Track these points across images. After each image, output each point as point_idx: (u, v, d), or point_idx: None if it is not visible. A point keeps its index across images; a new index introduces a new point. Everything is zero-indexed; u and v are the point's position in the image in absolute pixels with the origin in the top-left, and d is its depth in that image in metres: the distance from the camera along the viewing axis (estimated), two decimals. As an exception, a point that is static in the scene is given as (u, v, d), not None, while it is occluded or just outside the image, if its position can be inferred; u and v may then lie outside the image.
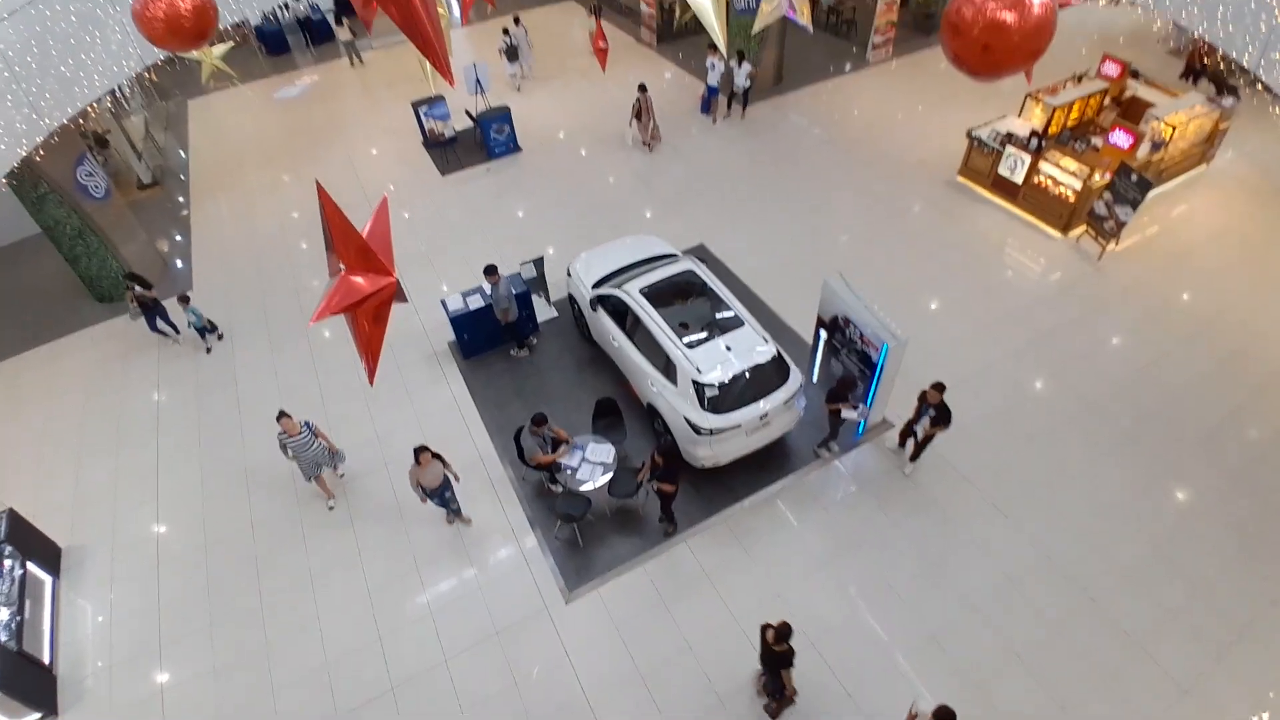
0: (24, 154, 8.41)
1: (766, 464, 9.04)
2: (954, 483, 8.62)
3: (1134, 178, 11.01)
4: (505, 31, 17.63)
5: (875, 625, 7.54)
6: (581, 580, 8.12)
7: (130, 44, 9.17)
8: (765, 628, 6.32)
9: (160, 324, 11.31)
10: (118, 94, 10.64)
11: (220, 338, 11.57)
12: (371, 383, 3.44)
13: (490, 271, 9.97)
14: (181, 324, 11.35)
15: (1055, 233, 12.38)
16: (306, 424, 8.40)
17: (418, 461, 7.72)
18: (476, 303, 10.34)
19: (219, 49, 11.60)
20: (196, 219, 14.73)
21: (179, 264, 13.48)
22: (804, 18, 4.93)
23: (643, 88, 14.64)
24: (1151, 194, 11.13)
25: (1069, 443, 9.13)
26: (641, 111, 14.76)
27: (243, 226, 14.33)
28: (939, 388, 7.97)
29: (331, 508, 9.03)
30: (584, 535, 8.46)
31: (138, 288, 10.97)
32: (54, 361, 11.55)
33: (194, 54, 10.35)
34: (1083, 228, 12.15)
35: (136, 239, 12.76)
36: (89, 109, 9.51)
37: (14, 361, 11.76)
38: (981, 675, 7.11)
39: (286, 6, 21.66)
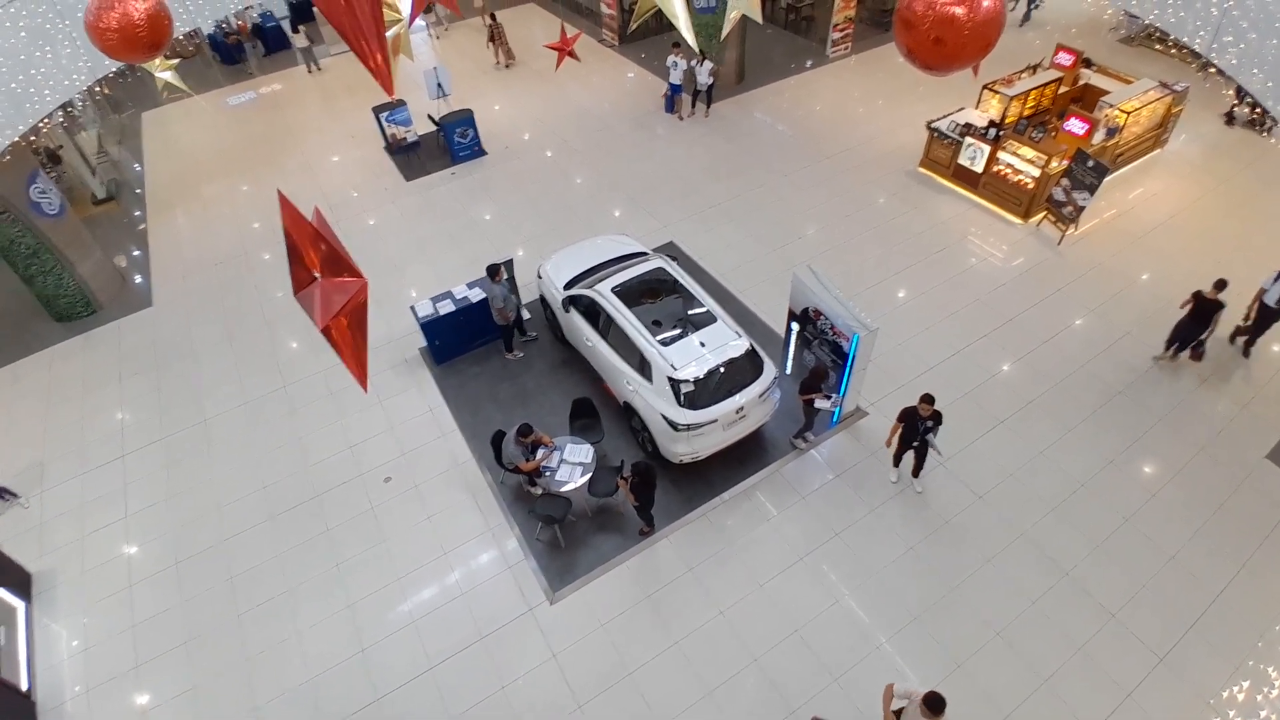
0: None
1: (744, 458, 9.09)
2: (929, 467, 8.73)
3: (1090, 163, 11.27)
4: None
5: (858, 609, 7.62)
6: (565, 581, 8.07)
7: (81, 57, 8.93)
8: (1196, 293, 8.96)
9: None
10: (70, 108, 10.26)
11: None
12: (366, 390, 3.40)
13: (494, 271, 9.86)
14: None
15: (1016, 219, 12.63)
16: None
17: None
18: (447, 308, 10.24)
19: (168, 64, 11.26)
20: (154, 233, 14.36)
21: (138, 279, 13.14)
22: (753, 10, 5.04)
23: (492, 15, 18.42)
24: (1108, 179, 11.40)
25: (1038, 423, 9.32)
26: (494, 36, 18.16)
27: (203, 240, 13.99)
28: (929, 400, 7.80)
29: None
30: (565, 536, 8.42)
31: None
32: (14, 384, 11.17)
33: (147, 66, 10.06)
34: (1043, 214, 12.41)
35: (93, 256, 12.38)
36: (40, 125, 9.21)
37: (-31, 385, 11.35)
38: (962, 653, 7.23)
39: (235, 20, 21.07)
